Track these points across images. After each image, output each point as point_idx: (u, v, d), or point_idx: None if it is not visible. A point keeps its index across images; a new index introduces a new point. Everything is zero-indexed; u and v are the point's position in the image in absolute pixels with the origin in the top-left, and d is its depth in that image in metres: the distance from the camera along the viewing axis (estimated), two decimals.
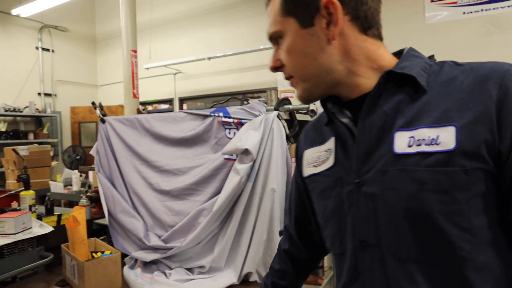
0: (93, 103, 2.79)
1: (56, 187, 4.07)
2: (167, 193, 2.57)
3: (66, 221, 2.40)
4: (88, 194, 3.03)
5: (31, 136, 5.94)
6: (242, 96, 5.92)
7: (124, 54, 4.41)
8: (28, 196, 2.72)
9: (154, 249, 2.47)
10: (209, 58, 5.75)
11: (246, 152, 2.23)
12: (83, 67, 7.23)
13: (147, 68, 5.85)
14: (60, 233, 2.78)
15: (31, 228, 2.61)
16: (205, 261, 2.35)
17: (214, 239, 2.36)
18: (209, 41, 6.32)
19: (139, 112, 3.92)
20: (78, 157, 6.13)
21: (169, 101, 6.58)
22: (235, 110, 2.52)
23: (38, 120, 6.45)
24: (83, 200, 2.86)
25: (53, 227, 2.61)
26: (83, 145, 6.55)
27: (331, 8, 0.70)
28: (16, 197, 3.00)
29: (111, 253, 2.34)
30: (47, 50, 6.60)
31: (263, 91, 5.87)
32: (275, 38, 0.79)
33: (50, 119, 6.40)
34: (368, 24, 0.74)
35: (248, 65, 5.93)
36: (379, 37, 0.77)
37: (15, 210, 2.76)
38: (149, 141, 2.73)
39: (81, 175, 4.11)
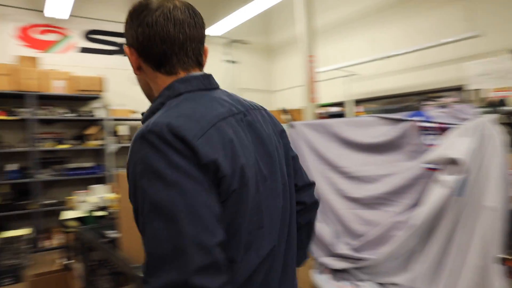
0: (284, 110, 2.91)
1: None
2: (357, 200, 2.49)
3: None
4: None
5: None
6: (426, 97, 5.35)
7: (302, 60, 4.57)
8: None
9: (344, 257, 2.42)
10: (386, 57, 5.42)
11: (454, 162, 1.95)
12: (261, 75, 7.90)
13: (319, 72, 5.94)
14: None
15: None
16: (401, 279, 2.16)
17: (412, 256, 2.15)
18: (382, 40, 5.99)
19: (320, 116, 3.96)
20: None
21: (339, 104, 6.52)
22: (437, 114, 2.25)
23: None
24: None
25: None
26: None
27: (127, 52, 0.88)
28: None
29: None
30: (233, 62, 7.47)
31: (444, 90, 5.19)
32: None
33: None
34: (160, 64, 0.85)
35: (426, 62, 5.36)
36: (173, 73, 0.86)
37: None
38: (337, 146, 2.70)
39: None
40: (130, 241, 1.89)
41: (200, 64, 0.93)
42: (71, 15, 5.59)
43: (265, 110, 1.04)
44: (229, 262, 0.72)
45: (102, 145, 5.55)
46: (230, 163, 0.73)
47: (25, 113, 4.95)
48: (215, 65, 7.32)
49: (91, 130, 5.43)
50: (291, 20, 7.43)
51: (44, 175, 5.14)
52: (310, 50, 4.58)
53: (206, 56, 0.95)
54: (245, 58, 7.75)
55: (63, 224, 2.78)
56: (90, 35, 6.01)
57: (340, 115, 6.14)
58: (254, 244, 0.79)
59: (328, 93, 6.23)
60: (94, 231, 2.39)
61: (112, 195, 3.45)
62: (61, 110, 5.26)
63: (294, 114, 5.85)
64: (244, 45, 7.70)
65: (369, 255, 2.28)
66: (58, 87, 5.14)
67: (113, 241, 2.14)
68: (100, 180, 5.89)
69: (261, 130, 0.89)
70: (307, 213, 1.08)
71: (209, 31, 6.79)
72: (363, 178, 2.52)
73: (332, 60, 6.29)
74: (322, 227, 2.58)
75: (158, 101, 0.84)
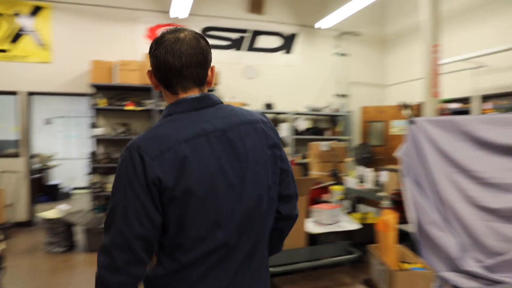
0: (404, 104, 2.65)
1: (350, 182, 4.29)
2: (493, 212, 2.12)
3: (377, 223, 2.38)
4: (388, 196, 2.95)
5: (327, 133, 6.66)
6: None
7: (423, 50, 4.13)
8: (338, 190, 2.89)
9: (472, 275, 2.10)
10: None
11: None
12: (372, 68, 7.45)
13: (443, 64, 5.31)
14: (365, 232, 2.85)
15: (340, 222, 2.80)
16: None
17: None
18: None
19: (442, 112, 3.53)
20: (366, 155, 6.38)
21: (462, 100, 5.76)
22: None
23: (333, 119, 7.18)
24: (387, 203, 2.79)
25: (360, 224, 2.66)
26: (371, 144, 6.78)
27: (147, 74, 1.11)
28: (325, 189, 3.25)
29: (421, 267, 2.15)
30: (342, 54, 7.19)
31: None
32: None
33: (344, 118, 6.98)
34: (166, 85, 1.07)
35: None
36: (175, 93, 1.07)
37: (326, 202, 3.01)
38: (469, 146, 2.35)
39: (375, 173, 4.17)
40: None
41: (200, 85, 1.08)
42: (190, 14, 6.01)
43: (263, 123, 1.13)
44: (175, 247, 1.00)
45: None
46: (174, 179, 0.96)
47: (150, 104, 5.50)
48: (324, 58, 7.14)
49: None
50: (410, 8, 6.82)
51: None
52: (434, 39, 4.11)
53: (213, 75, 1.12)
54: (356, 51, 7.39)
55: None
56: (206, 31, 6.39)
57: (463, 112, 5.42)
58: (204, 237, 0.99)
59: (451, 87, 5.56)
60: None
61: None
62: None
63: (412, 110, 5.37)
64: (355, 37, 7.34)
65: (508, 277, 1.92)
66: None
67: None
68: None
69: (239, 144, 1.05)
70: (280, 222, 1.19)
71: (319, 24, 6.64)
72: (503, 186, 2.14)
73: (457, 51, 5.58)
74: (446, 237, 2.28)
75: (162, 114, 1.09)
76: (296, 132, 6.30)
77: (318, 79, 7.09)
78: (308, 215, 2.74)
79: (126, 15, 5.95)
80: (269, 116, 6.60)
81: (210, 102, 1.07)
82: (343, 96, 7.23)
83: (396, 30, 7.46)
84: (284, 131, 6.19)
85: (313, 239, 2.66)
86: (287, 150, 6.28)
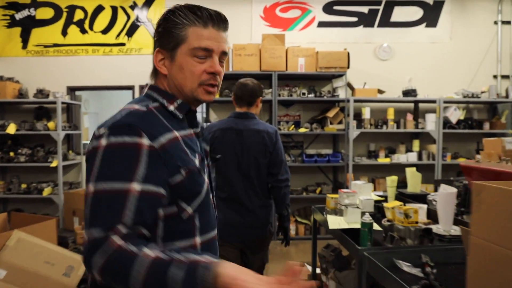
0: None
1: None
2: None
3: None
4: None
5: (486, 126, 5.14)
6: None
7: None
8: None
9: None
10: None
11: None
12: None
13: None
14: None
15: None
16: None
17: None
18: None
19: None
20: None
21: None
22: None
23: (493, 108, 5.57)
24: None
25: None
26: None
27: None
28: None
29: None
30: (506, 23, 5.52)
31: None
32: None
33: (510, 106, 5.34)
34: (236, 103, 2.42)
35: None
36: (237, 107, 2.38)
37: None
38: None
39: None
40: None
41: (249, 106, 2.32)
42: None
43: (266, 133, 2.26)
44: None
45: (342, 129, 4.88)
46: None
47: (268, 93, 4.76)
48: (480, 29, 5.54)
49: (331, 113, 4.83)
50: None
51: None
52: None
53: (258, 103, 2.37)
54: None
55: (329, 231, 2.11)
56: (330, 7, 5.39)
57: None
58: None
59: None
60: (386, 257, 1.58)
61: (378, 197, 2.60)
62: (300, 91, 4.85)
63: None
64: None
65: None
66: (298, 65, 4.72)
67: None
68: (338, 170, 5.34)
69: (244, 138, 2.24)
70: (272, 187, 2.30)
71: None
72: None
73: None
74: None
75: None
76: (446, 124, 4.92)
77: (472, 57, 5.54)
78: None
79: None
80: (410, 105, 5.33)
81: (246, 115, 2.30)
82: (507, 77, 5.55)
83: None
84: (429, 124, 4.87)
85: None
86: (433, 147, 4.95)
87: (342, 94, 4.84)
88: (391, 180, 2.57)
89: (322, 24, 5.37)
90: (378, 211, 2.37)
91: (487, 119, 5.38)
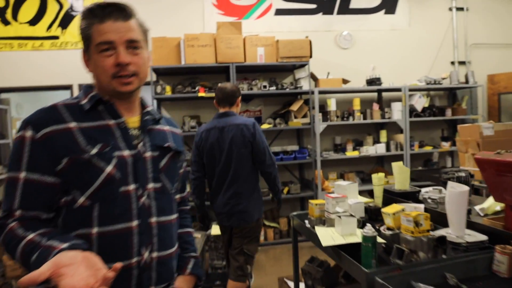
0: None
1: None
2: None
3: None
4: None
5: (448, 113, 5.08)
6: None
7: None
8: None
9: None
10: None
11: None
12: (501, 25, 5.66)
13: None
14: None
15: None
16: None
17: None
18: None
19: None
20: None
21: None
22: None
23: (452, 94, 5.54)
24: None
25: None
26: (502, 121, 5.11)
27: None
28: None
29: None
30: (459, 9, 5.51)
31: None
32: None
33: (469, 91, 5.32)
34: (218, 104, 2.79)
35: None
36: (220, 107, 2.77)
37: None
38: None
39: None
40: None
41: (231, 106, 2.68)
42: None
43: (245, 125, 2.56)
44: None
45: (307, 123, 4.57)
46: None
47: None
48: (436, 16, 5.49)
49: (295, 106, 4.49)
50: None
51: None
52: None
53: (238, 102, 2.73)
54: (478, 2, 5.63)
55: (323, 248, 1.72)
56: None
57: None
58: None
59: None
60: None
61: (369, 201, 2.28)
62: (261, 83, 4.47)
63: None
64: None
65: None
66: (257, 56, 4.34)
67: None
68: (305, 167, 5.03)
69: (225, 133, 2.58)
70: (263, 175, 2.67)
71: None
72: None
73: None
74: None
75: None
76: (412, 113, 4.78)
77: (430, 44, 5.48)
78: None
79: None
80: (374, 95, 5.14)
81: (227, 114, 2.64)
82: (463, 63, 5.55)
83: None
84: (396, 113, 4.70)
85: None
86: (400, 137, 4.80)
87: (305, 85, 4.53)
88: (378, 178, 2.25)
89: (280, 12, 5.02)
90: (367, 215, 2.05)
91: (447, 105, 5.34)
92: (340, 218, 1.69)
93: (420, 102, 4.78)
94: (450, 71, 5.19)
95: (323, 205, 1.96)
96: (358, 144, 4.87)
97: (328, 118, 4.51)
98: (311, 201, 2.02)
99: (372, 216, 2.04)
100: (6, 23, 4.47)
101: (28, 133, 0.94)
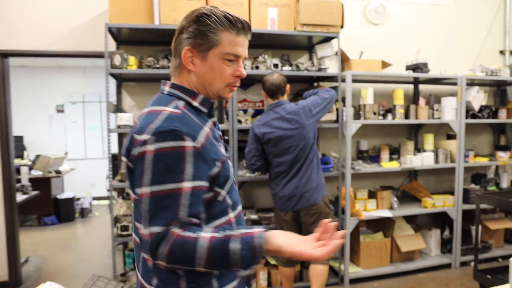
0: None
1: None
2: None
3: None
4: None
5: (502, 114, 3.94)
6: None
7: None
8: None
9: None
10: None
11: None
12: None
13: None
14: None
15: None
16: None
17: None
18: None
19: None
20: None
21: None
22: None
23: (499, 91, 4.40)
24: None
25: None
26: None
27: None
28: None
29: None
30: None
31: None
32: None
33: None
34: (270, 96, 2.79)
35: None
36: (271, 98, 2.76)
37: None
38: None
39: None
40: None
41: (282, 95, 2.68)
42: None
43: (302, 108, 2.66)
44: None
45: (333, 121, 3.25)
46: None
47: None
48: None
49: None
50: None
51: None
52: None
53: (287, 91, 2.70)
54: None
55: None
56: None
57: None
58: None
59: None
60: None
61: None
62: (270, 61, 3.10)
63: None
64: None
65: None
66: (267, 21, 2.98)
67: None
68: (325, 180, 3.71)
69: (291, 121, 2.66)
70: None
71: None
72: None
73: None
74: None
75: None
76: (468, 112, 3.57)
77: (476, 26, 4.30)
78: None
79: None
80: (410, 86, 3.89)
81: (281, 103, 2.66)
82: None
83: None
84: (448, 112, 3.47)
85: None
86: (450, 144, 3.57)
87: (333, 67, 3.21)
88: None
89: None
90: None
91: (498, 105, 4.19)
92: None
93: (478, 98, 3.58)
94: (499, 62, 4.03)
95: None
96: (393, 152, 3.61)
97: (360, 115, 3.21)
98: None
99: None
100: None
101: (188, 143, 0.95)
